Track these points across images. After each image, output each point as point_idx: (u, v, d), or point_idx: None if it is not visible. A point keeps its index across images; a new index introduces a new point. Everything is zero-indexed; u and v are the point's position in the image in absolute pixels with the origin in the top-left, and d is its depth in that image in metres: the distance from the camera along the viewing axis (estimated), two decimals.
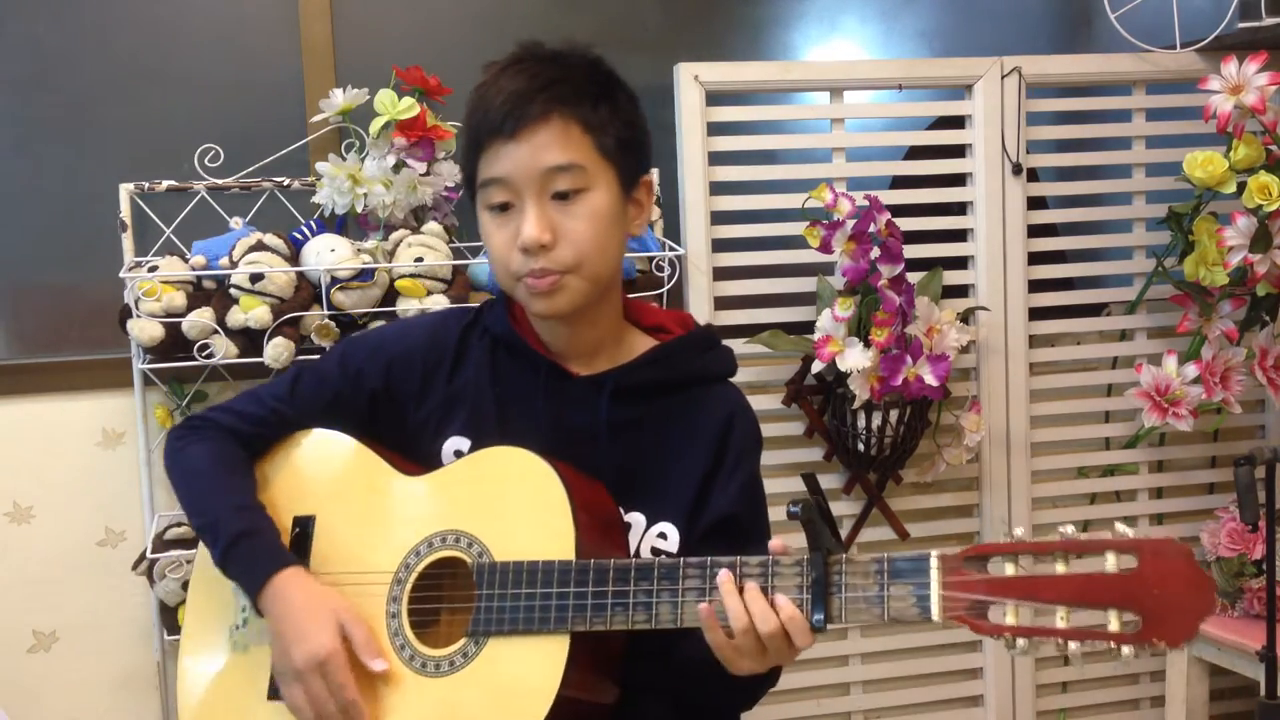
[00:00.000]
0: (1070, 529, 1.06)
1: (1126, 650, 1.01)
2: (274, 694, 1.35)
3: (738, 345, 2.31)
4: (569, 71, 1.32)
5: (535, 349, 1.39)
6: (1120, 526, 1.05)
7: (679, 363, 1.41)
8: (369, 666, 1.29)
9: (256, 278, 2.07)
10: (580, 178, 1.30)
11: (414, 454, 1.42)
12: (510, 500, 1.31)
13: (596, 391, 1.38)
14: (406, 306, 2.13)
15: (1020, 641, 1.04)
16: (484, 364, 1.42)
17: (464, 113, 1.36)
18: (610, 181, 1.33)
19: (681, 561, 1.22)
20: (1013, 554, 1.07)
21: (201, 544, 1.49)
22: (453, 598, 1.34)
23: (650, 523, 1.36)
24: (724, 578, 1.18)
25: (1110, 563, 1.04)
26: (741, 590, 1.17)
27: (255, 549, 1.36)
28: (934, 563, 1.09)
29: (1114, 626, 1.02)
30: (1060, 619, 1.04)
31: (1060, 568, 1.05)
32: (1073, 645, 1.03)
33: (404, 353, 1.44)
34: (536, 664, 1.23)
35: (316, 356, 2.08)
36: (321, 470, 1.45)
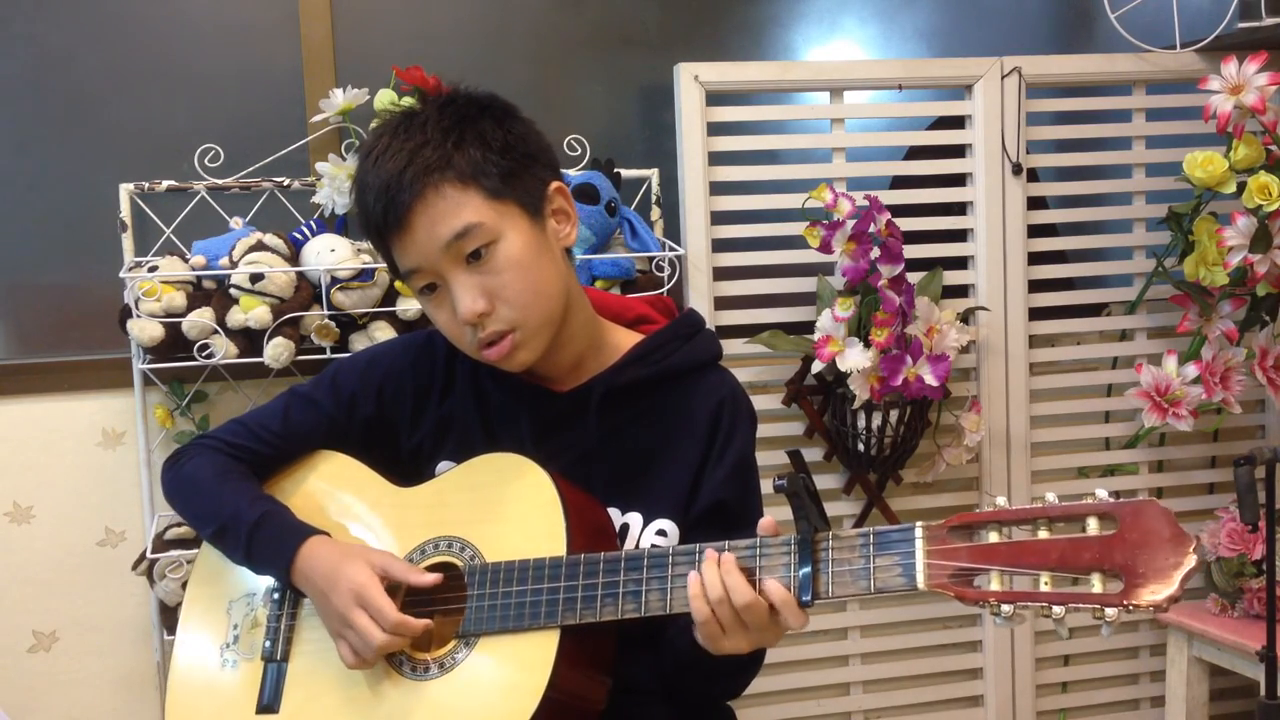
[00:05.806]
0: (1052, 496, 1.07)
1: (1111, 613, 1.00)
2: (262, 709, 1.35)
3: (738, 345, 2.34)
4: (421, 131, 1.26)
5: (516, 374, 1.37)
6: (1100, 492, 1.05)
7: (664, 355, 1.39)
8: (418, 584, 1.28)
9: (256, 278, 2.07)
10: (482, 233, 1.25)
11: (406, 477, 1.42)
12: (502, 503, 1.31)
13: (584, 403, 1.36)
14: (406, 306, 2.13)
15: (1005, 607, 1.04)
16: (470, 388, 1.42)
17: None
18: (515, 218, 1.28)
19: (670, 550, 1.22)
20: (996, 523, 1.07)
21: (200, 555, 1.49)
22: (447, 603, 1.34)
23: (648, 521, 1.36)
24: (710, 552, 1.19)
25: (1092, 527, 1.04)
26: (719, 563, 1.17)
27: (279, 528, 1.36)
28: (919, 532, 1.10)
29: (1097, 589, 1.02)
30: (1044, 584, 1.04)
31: (1043, 534, 1.06)
32: (1056, 609, 1.02)
33: (395, 375, 1.43)
34: (525, 660, 1.23)
35: (313, 357, 2.10)
36: (312, 485, 1.45)
